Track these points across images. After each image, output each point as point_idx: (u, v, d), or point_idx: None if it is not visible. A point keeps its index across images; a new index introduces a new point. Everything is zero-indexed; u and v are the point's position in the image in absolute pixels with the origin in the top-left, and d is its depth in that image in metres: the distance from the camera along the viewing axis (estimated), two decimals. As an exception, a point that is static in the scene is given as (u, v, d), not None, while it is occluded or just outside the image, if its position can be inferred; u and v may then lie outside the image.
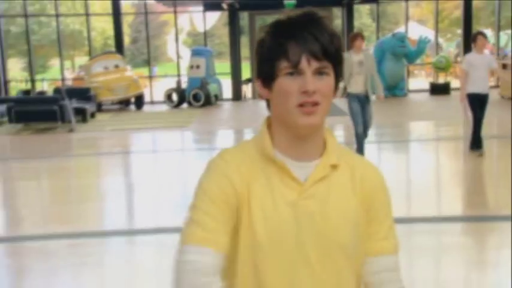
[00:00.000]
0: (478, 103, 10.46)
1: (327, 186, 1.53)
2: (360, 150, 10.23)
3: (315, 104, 1.46)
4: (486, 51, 11.19)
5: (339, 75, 1.54)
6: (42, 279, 7.16)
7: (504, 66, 21.60)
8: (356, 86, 9.65)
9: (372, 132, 15.35)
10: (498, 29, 25.80)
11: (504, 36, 27.05)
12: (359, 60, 9.58)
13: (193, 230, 1.48)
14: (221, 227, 1.47)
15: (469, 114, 10.84)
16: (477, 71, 10.19)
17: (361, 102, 9.86)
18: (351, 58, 9.61)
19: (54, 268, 7.42)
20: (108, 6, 25.51)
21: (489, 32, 27.13)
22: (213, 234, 1.46)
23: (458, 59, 25.34)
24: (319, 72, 1.45)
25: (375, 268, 1.61)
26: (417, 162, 12.88)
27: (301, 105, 1.46)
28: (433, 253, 7.57)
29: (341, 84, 10.25)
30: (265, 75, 1.51)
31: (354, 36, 9.88)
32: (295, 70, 1.44)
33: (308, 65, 1.43)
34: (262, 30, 1.55)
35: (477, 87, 10.26)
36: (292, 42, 1.44)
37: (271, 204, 1.49)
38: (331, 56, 1.47)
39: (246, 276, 1.54)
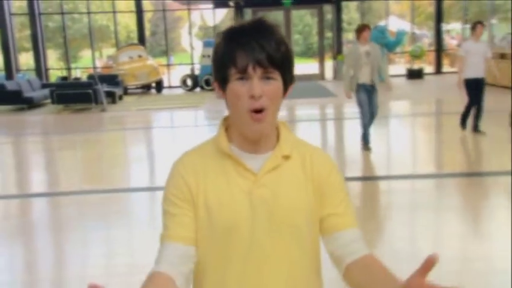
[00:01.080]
0: (474, 87, 10.04)
1: (279, 175, 1.50)
2: (365, 138, 9.71)
3: (262, 109, 1.41)
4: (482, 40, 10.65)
5: (288, 79, 1.49)
6: (79, 225, 7.27)
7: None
8: (363, 76, 8.91)
9: (358, 110, 15.62)
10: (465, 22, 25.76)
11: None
12: (366, 51, 8.79)
13: (163, 231, 1.50)
14: (184, 222, 1.47)
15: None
16: (473, 57, 9.79)
17: (368, 92, 9.12)
18: (358, 49, 8.93)
19: (89, 216, 7.58)
20: (131, 5, 25.24)
21: (458, 26, 27.17)
22: (177, 231, 1.46)
23: (431, 48, 25.40)
24: (266, 78, 1.41)
25: (342, 241, 1.55)
26: (396, 132, 13.07)
27: (251, 111, 1.42)
28: (409, 203, 7.71)
29: (349, 75, 9.22)
30: (220, 79, 1.48)
31: (360, 28, 9.04)
32: (244, 75, 1.40)
33: (254, 72, 1.39)
34: (218, 37, 1.50)
35: (473, 72, 9.88)
36: (241, 50, 1.40)
37: (227, 193, 1.48)
38: (278, 63, 1.42)
39: (208, 266, 1.53)
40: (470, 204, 7.56)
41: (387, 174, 9.34)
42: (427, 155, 10.98)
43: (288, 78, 1.47)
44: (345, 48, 24.54)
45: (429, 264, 1.19)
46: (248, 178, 1.47)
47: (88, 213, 7.72)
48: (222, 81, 1.46)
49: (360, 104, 9.28)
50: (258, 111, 1.41)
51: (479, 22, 10.22)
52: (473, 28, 10.17)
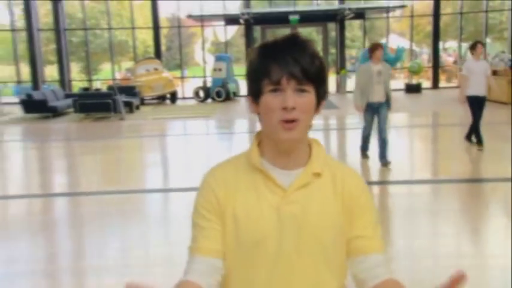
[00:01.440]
0: (476, 104, 9.72)
1: (309, 192, 1.43)
2: (364, 148, 9.50)
3: (294, 120, 1.36)
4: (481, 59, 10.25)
5: (322, 93, 1.44)
6: (97, 222, 7.33)
7: (462, 70, 21.67)
8: (375, 95, 8.35)
9: (359, 121, 15.68)
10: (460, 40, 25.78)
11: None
12: (378, 70, 8.27)
13: (192, 243, 1.47)
14: (212, 236, 1.43)
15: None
16: (475, 76, 9.48)
17: (377, 110, 8.56)
18: (371, 68, 8.40)
19: (107, 214, 7.64)
20: (149, 21, 25.45)
21: (455, 44, 27.26)
22: (205, 244, 1.43)
23: (429, 64, 25.35)
24: (299, 90, 1.36)
25: (367, 265, 1.47)
26: (395, 142, 12.91)
27: (282, 121, 1.37)
28: (406, 206, 7.80)
29: (359, 91, 8.69)
30: (253, 92, 1.43)
31: (373, 47, 8.45)
32: (277, 87, 1.35)
33: (287, 84, 1.34)
34: (252, 52, 1.45)
35: (475, 90, 9.54)
36: (275, 64, 1.35)
37: (256, 207, 1.42)
38: (311, 76, 1.37)
39: (234, 274, 1.48)
40: (466, 207, 7.65)
41: (385, 180, 9.35)
42: (424, 162, 11.03)
43: (321, 92, 1.43)
44: (357, 66, 24.13)
45: (456, 281, 1.15)
46: (277, 194, 1.41)
47: (106, 212, 7.80)
48: (256, 94, 1.41)
49: (365, 120, 8.93)
50: (290, 121, 1.36)
51: (479, 42, 9.92)
52: (473, 47, 9.80)
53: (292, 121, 1.35)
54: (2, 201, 8.78)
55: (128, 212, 7.73)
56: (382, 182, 9.05)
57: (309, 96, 1.37)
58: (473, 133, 10.10)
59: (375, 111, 8.62)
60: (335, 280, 1.49)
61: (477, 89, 9.49)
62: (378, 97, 8.41)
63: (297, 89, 1.34)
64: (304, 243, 1.41)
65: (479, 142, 9.97)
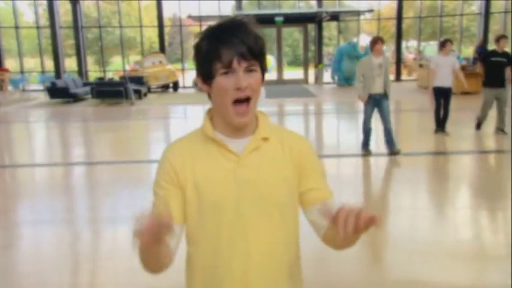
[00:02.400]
0: (441, 95, 9.36)
1: (260, 155, 1.38)
2: (366, 143, 8.34)
3: (247, 98, 1.31)
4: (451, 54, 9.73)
5: (264, 69, 1.38)
6: (110, 185, 7.58)
7: (421, 65, 21.36)
8: (376, 87, 7.64)
9: (333, 107, 16.05)
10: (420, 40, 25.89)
11: (426, 46, 27.22)
12: (379, 63, 7.59)
13: (156, 208, 1.40)
14: (174, 204, 1.37)
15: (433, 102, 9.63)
16: (442, 70, 9.08)
17: (378, 102, 7.81)
18: (371, 61, 7.70)
19: (117, 179, 7.91)
20: (154, 20, 25.11)
21: (415, 43, 27.15)
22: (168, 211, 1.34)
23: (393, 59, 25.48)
24: (248, 70, 1.30)
25: (324, 210, 1.36)
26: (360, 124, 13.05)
27: (235, 101, 1.31)
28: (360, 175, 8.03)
29: (360, 82, 7.93)
30: (204, 74, 1.35)
31: (374, 41, 7.85)
32: (229, 70, 1.28)
33: (239, 65, 1.28)
34: (198, 37, 1.36)
35: (441, 82, 9.18)
36: (224, 46, 1.27)
37: (213, 173, 1.36)
38: (257, 55, 1.31)
39: (196, 237, 1.41)
40: (422, 176, 7.73)
41: (352, 153, 9.37)
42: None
43: (264, 68, 1.37)
44: (332, 61, 24.15)
45: (369, 221, 1.13)
46: (232, 159, 1.36)
47: (117, 178, 8.09)
48: (206, 76, 1.33)
49: (365, 112, 8.07)
50: (242, 101, 1.31)
51: (448, 40, 9.57)
52: (442, 44, 9.47)
53: (246, 101, 1.30)
54: (30, 169, 8.90)
55: (135, 178, 7.94)
56: (352, 155, 9.17)
57: (257, 74, 1.32)
58: (438, 119, 9.69)
59: (375, 103, 7.88)
60: (290, 230, 1.44)
61: (443, 81, 9.17)
62: (378, 89, 7.74)
63: (247, 69, 1.29)
64: (259, 200, 1.35)
65: (443, 129, 9.66)
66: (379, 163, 8.61)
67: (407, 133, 11.75)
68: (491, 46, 16.74)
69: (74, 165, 9.23)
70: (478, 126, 9.78)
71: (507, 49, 9.43)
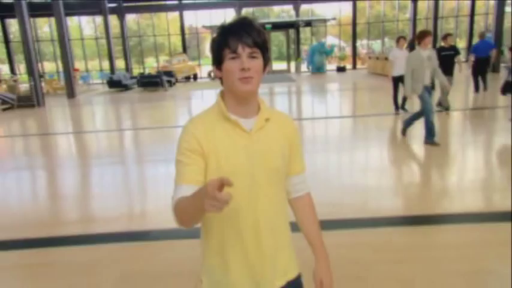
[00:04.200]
0: (398, 82, 8.32)
1: (265, 133, 1.26)
2: (432, 133, 6.03)
3: (250, 77, 1.19)
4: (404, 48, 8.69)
5: (266, 59, 1.24)
6: (150, 141, 7.80)
7: (370, 57, 21.45)
8: (426, 78, 6.04)
9: (308, 88, 16.06)
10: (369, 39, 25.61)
11: (374, 43, 27.09)
12: (428, 56, 5.98)
13: (178, 176, 1.20)
14: (195, 169, 1.19)
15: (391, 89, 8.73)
16: (399, 60, 8.16)
17: (429, 92, 6.09)
18: (420, 54, 5.97)
19: (155, 138, 8.12)
20: (177, 29, 24.89)
21: (365, 41, 26.73)
22: (191, 175, 1.19)
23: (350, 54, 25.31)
24: (251, 56, 1.18)
25: (296, 181, 1.37)
26: (331, 102, 13.01)
27: (240, 78, 1.19)
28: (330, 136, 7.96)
29: (410, 83, 5.91)
30: (217, 61, 1.23)
31: (423, 34, 6.03)
32: (235, 55, 1.17)
33: (243, 51, 1.17)
34: (215, 32, 1.24)
35: (398, 71, 8.16)
36: (232, 37, 1.17)
37: (230, 147, 1.21)
38: (259, 45, 1.19)
39: None
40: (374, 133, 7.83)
41: (322, 116, 9.51)
42: (348, 106, 11.25)
43: (266, 58, 1.24)
44: (308, 56, 23.64)
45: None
46: (244, 136, 1.23)
47: (156, 138, 8.29)
48: (218, 62, 1.22)
49: (426, 101, 6.06)
50: (246, 77, 1.19)
51: (402, 36, 8.77)
52: (397, 40, 8.68)
53: (249, 77, 1.18)
54: (94, 134, 8.99)
55: (168, 137, 8.09)
56: (328, 117, 9.34)
57: (258, 60, 1.20)
58: (396, 100, 8.72)
59: (428, 92, 6.13)
60: (284, 195, 1.35)
61: (400, 70, 8.09)
62: (428, 80, 6.09)
63: (249, 55, 1.18)
64: (267, 169, 1.24)
65: (402, 107, 8.72)
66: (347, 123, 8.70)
67: (361, 102, 11.98)
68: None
69: (128, 130, 9.46)
70: (440, 104, 8.68)
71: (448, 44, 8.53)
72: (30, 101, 13.75)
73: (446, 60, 8.18)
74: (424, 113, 6.04)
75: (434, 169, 5.23)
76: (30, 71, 13.85)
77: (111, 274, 2.96)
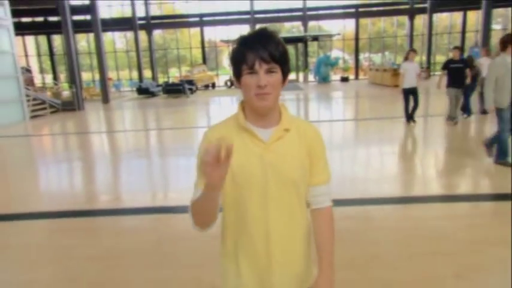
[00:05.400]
0: (409, 94, 7.67)
1: (283, 143, 1.14)
2: (505, 153, 4.73)
3: (267, 93, 1.07)
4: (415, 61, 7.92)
5: (286, 71, 1.11)
6: (173, 140, 8.03)
7: (371, 69, 21.57)
8: None
9: (315, 96, 16.03)
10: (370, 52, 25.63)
11: (375, 56, 27.17)
12: None
13: (197, 181, 1.13)
14: None
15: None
16: (409, 73, 7.55)
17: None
18: (506, 61, 4.45)
19: (178, 138, 8.27)
20: (198, 43, 25.31)
21: (367, 54, 26.82)
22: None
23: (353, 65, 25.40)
24: (269, 71, 1.07)
25: (315, 193, 1.21)
26: (335, 108, 13.12)
27: (257, 94, 1.08)
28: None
29: (491, 96, 4.49)
30: (236, 74, 1.12)
31: (507, 39, 4.53)
32: (252, 70, 1.06)
33: (260, 67, 1.05)
34: (234, 43, 1.13)
35: (409, 83, 7.58)
36: (249, 51, 1.06)
37: (245, 156, 1.12)
38: (277, 59, 1.07)
39: (230, 206, 1.16)
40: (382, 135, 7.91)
41: (327, 120, 9.60)
42: (351, 111, 11.34)
43: (286, 70, 1.11)
44: (316, 67, 23.57)
45: None
46: (260, 146, 1.12)
47: (177, 137, 8.53)
48: (237, 75, 1.11)
49: (505, 120, 4.57)
50: (262, 94, 1.07)
51: (412, 50, 7.98)
52: (408, 53, 7.86)
53: (265, 94, 1.07)
54: (123, 133, 9.34)
55: (189, 136, 8.31)
56: (330, 120, 9.54)
57: (277, 75, 1.08)
58: (407, 112, 7.97)
59: None
60: (302, 205, 1.19)
61: (409, 83, 7.62)
62: None
63: (267, 70, 1.06)
64: (281, 180, 1.12)
65: (413, 120, 7.96)
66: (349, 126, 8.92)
67: (364, 107, 12.16)
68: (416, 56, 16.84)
69: (153, 130, 9.78)
70: (453, 118, 7.76)
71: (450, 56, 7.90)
72: (72, 105, 14.43)
73: (457, 72, 7.47)
74: (499, 130, 4.73)
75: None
76: (73, 79, 14.52)
77: (150, 237, 3.40)
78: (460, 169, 5.06)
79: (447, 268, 2.63)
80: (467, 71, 7.62)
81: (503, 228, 3.19)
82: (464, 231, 3.18)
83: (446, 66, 7.58)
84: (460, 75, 7.45)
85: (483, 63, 7.91)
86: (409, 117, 7.90)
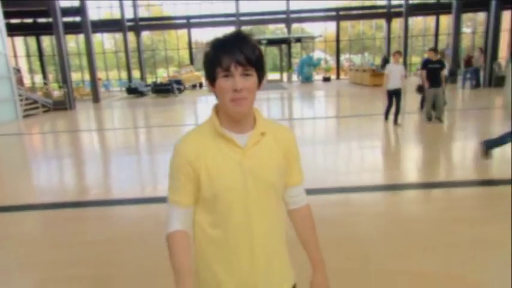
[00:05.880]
0: (393, 95, 7.48)
1: (260, 148, 1.08)
2: (494, 145, 4.50)
3: (243, 98, 1.00)
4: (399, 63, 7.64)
5: (261, 75, 1.05)
6: (162, 137, 7.91)
7: (350, 69, 21.78)
8: None
9: (298, 95, 16.03)
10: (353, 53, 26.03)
11: (355, 57, 27.57)
12: None
13: (170, 195, 1.09)
14: (183, 192, 1.07)
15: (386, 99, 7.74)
16: (393, 75, 7.31)
17: None
18: None
19: (166, 135, 8.17)
20: (185, 44, 25.19)
21: (348, 55, 26.95)
22: (180, 198, 1.07)
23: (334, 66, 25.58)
24: (245, 74, 1.00)
25: (293, 193, 1.19)
26: (317, 106, 13.18)
27: (232, 99, 1.00)
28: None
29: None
30: (210, 77, 1.04)
31: None
32: (228, 73, 0.99)
33: (236, 69, 0.98)
34: (207, 46, 1.05)
35: (393, 85, 7.37)
36: (225, 54, 0.98)
37: (223, 163, 1.04)
38: (253, 62, 1.00)
39: (207, 215, 1.09)
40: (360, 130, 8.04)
41: (310, 117, 9.69)
42: (332, 108, 11.47)
43: (261, 74, 1.06)
44: (298, 67, 23.99)
45: None
46: (237, 152, 1.06)
47: (166, 134, 8.44)
48: (212, 79, 1.04)
49: None
50: (239, 99, 1.01)
51: (398, 51, 7.74)
52: (394, 55, 7.62)
53: (241, 99, 1.01)
54: (114, 131, 9.36)
55: (177, 133, 8.20)
56: (313, 118, 9.57)
57: (253, 78, 1.02)
58: (387, 113, 7.90)
59: None
60: (280, 206, 1.16)
61: (394, 84, 7.41)
62: None
63: (243, 73, 1.00)
64: (261, 185, 1.07)
65: (393, 118, 7.71)
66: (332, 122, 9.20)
67: (344, 105, 12.36)
68: (390, 58, 17.24)
69: (143, 128, 9.82)
70: (429, 119, 7.80)
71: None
72: (63, 105, 14.31)
73: (434, 72, 7.42)
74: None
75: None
76: (64, 79, 14.39)
77: (141, 225, 3.57)
78: (435, 160, 5.36)
79: (417, 243, 2.89)
80: (443, 72, 7.52)
81: (472, 210, 3.48)
82: (436, 213, 3.45)
83: (425, 65, 7.51)
84: (438, 75, 7.43)
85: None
86: (387, 117, 7.86)
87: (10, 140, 8.98)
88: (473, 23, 23.96)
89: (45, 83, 21.35)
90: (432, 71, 7.41)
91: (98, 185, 5.01)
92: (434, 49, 7.76)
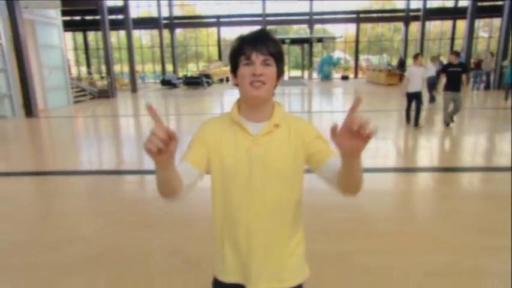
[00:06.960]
0: (412, 98, 7.01)
1: (271, 138, 1.05)
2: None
3: (261, 82, 0.99)
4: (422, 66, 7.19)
5: (280, 70, 1.04)
6: (191, 124, 8.67)
7: (368, 69, 21.51)
8: None
9: (317, 91, 15.99)
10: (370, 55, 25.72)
11: (373, 58, 27.21)
12: None
13: (184, 155, 1.04)
14: (196, 153, 1.04)
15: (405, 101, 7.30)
16: (414, 78, 6.82)
17: None
18: None
19: (195, 121, 8.69)
20: (215, 41, 25.36)
21: (366, 55, 26.45)
22: (191, 156, 1.03)
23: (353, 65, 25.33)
24: (265, 64, 0.99)
25: (329, 168, 1.01)
26: (334, 100, 13.04)
27: (251, 83, 0.99)
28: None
29: None
30: (233, 68, 1.04)
31: None
32: (249, 61, 0.99)
33: (256, 57, 0.99)
34: (234, 41, 1.04)
35: (413, 88, 6.88)
36: (248, 45, 1.00)
37: (234, 148, 1.05)
38: (273, 54, 1.00)
39: (219, 194, 1.08)
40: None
41: (327, 110, 9.76)
42: (350, 105, 11.15)
43: (281, 67, 1.04)
44: (319, 65, 23.75)
45: (356, 102, 0.85)
46: (249, 139, 1.05)
47: (195, 121, 8.38)
48: (234, 69, 1.04)
49: None
50: (257, 81, 0.99)
51: (419, 54, 7.17)
52: (415, 57, 7.07)
53: (260, 82, 0.99)
54: (149, 117, 9.65)
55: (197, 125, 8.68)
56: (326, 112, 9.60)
57: (272, 68, 1.01)
58: (408, 115, 7.36)
59: None
60: (295, 194, 1.08)
61: (414, 87, 6.91)
62: None
63: (263, 62, 1.00)
64: (267, 172, 1.04)
65: (414, 122, 7.09)
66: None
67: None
68: (409, 59, 16.89)
69: (175, 115, 9.98)
70: (447, 124, 7.16)
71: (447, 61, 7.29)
72: (106, 93, 15.01)
73: (454, 76, 6.85)
74: None
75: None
76: (108, 71, 15.10)
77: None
78: (441, 150, 5.51)
79: (390, 211, 3.19)
80: (464, 76, 6.87)
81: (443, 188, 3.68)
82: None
83: (445, 69, 6.96)
84: (458, 79, 6.82)
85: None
86: (409, 120, 7.30)
87: (64, 122, 9.67)
88: (490, 27, 23.20)
89: (89, 73, 22.28)
90: (453, 75, 6.82)
91: (129, 159, 5.48)
92: (457, 52, 7.09)
